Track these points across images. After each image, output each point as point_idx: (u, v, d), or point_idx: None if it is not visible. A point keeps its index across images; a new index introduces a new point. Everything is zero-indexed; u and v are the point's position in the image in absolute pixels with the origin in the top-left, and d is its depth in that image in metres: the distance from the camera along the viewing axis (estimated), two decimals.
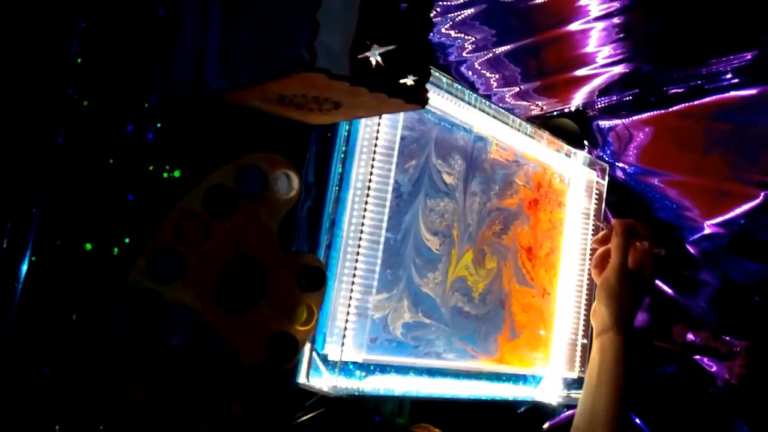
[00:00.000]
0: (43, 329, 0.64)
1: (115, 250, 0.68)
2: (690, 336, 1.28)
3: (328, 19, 0.61)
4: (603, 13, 0.89)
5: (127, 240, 0.69)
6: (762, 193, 1.11)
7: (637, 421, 1.25)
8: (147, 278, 0.69)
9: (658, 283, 1.31)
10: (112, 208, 0.68)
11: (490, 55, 0.99)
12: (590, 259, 1.14)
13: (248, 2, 0.70)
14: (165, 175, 0.72)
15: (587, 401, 0.89)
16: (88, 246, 0.66)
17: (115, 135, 0.69)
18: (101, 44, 0.68)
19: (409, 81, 0.68)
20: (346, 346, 0.84)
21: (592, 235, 1.25)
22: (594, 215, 1.26)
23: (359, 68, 0.64)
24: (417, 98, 0.69)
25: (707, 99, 1.08)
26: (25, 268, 0.63)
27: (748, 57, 0.94)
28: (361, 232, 0.85)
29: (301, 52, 0.60)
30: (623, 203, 1.32)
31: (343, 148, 0.86)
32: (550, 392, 1.17)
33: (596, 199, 1.27)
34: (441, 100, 0.97)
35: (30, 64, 0.66)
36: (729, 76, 1.01)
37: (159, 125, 0.71)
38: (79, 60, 0.67)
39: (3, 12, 0.65)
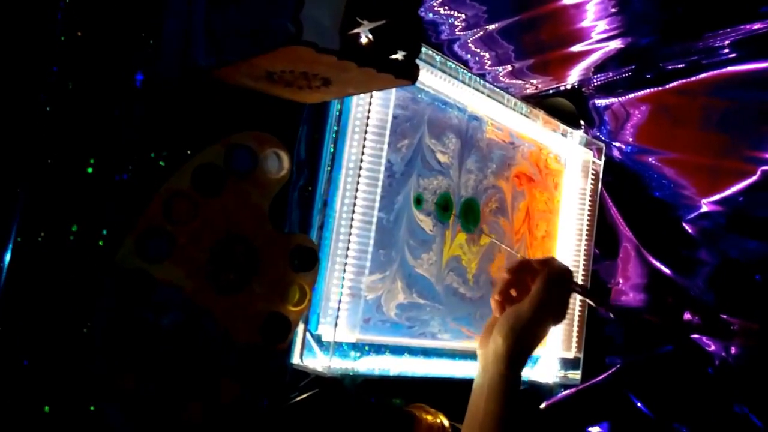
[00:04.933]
0: (32, 309, 0.63)
1: (104, 231, 0.67)
2: (687, 315, 1.28)
3: None
4: None
5: (115, 221, 0.68)
6: (759, 169, 1.10)
7: (639, 404, 1.25)
8: (136, 257, 0.68)
9: (656, 263, 1.30)
10: (100, 188, 0.67)
11: (483, 32, 0.97)
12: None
13: None
14: (152, 154, 0.71)
15: None
16: (74, 227, 0.65)
17: (102, 114, 0.68)
18: (86, 22, 0.67)
19: (399, 56, 0.67)
20: (339, 327, 0.84)
21: (589, 215, 1.24)
22: (590, 196, 1.25)
23: (348, 43, 0.63)
24: (407, 73, 0.68)
25: (704, 75, 1.06)
26: (10, 247, 0.63)
27: (746, 29, 0.92)
28: (353, 212, 0.85)
29: (287, 25, 0.59)
30: (620, 183, 1.31)
31: (335, 128, 0.85)
32: (546, 372, 1.17)
33: (592, 179, 1.26)
34: (434, 79, 0.96)
35: (12, 42, 0.65)
36: (726, 50, 1.00)
37: (147, 104, 0.70)
38: (63, 38, 0.66)
39: None
